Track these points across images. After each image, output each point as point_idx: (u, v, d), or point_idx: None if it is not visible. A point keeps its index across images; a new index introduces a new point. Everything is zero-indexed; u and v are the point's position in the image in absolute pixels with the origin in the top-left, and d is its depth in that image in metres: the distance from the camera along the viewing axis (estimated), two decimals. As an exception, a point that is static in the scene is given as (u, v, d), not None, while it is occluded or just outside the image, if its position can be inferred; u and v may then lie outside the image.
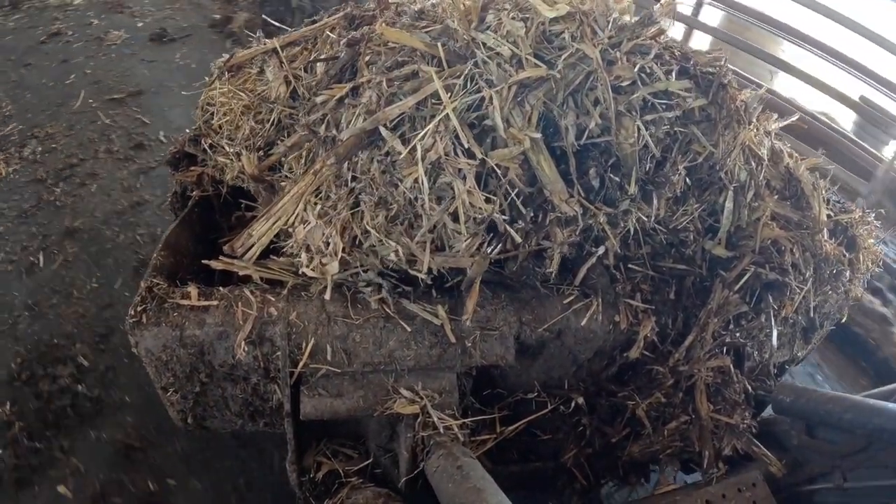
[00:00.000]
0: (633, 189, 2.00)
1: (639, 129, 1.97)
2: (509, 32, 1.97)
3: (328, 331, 2.00)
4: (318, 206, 2.09)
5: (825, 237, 2.36)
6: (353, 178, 2.05)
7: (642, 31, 2.04)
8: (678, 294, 2.22)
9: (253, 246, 1.96)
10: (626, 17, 2.14)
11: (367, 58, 2.25)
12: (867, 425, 2.16)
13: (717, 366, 2.22)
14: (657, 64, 2.03)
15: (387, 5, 2.62)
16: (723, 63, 2.17)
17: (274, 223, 1.96)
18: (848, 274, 2.47)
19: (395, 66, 2.12)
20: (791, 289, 2.26)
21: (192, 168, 2.68)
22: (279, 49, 2.59)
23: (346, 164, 2.06)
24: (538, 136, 1.92)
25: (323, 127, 2.21)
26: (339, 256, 1.98)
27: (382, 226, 1.94)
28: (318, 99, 2.23)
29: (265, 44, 2.66)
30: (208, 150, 2.61)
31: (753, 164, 2.19)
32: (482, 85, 1.95)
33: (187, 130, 2.76)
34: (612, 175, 2.00)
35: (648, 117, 1.99)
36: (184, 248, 2.39)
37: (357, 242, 2.00)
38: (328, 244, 2.01)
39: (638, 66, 1.99)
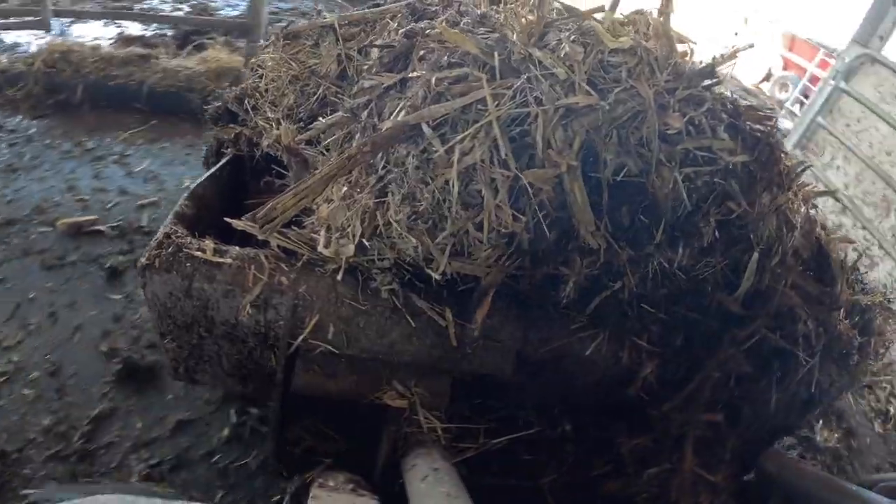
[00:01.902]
0: (659, 237, 1.98)
1: (675, 180, 1.95)
2: (567, 55, 1.96)
3: (334, 310, 2.01)
4: (345, 188, 2.10)
5: (842, 316, 2.34)
6: (385, 169, 2.06)
7: (700, 81, 2.03)
8: (686, 342, 2.20)
9: (276, 219, 1.96)
10: (687, 61, 2.12)
11: (420, 52, 2.25)
12: None
13: (710, 420, 2.21)
14: (707, 118, 2.01)
15: (450, 2, 2.62)
16: (773, 123, 2.16)
17: (300, 200, 1.96)
18: (856, 358, 2.44)
19: (447, 66, 2.13)
20: (798, 360, 2.23)
21: (232, 125, 2.71)
22: (337, 26, 2.61)
23: (381, 154, 2.06)
24: (576, 163, 1.91)
25: (366, 113, 2.21)
26: (357, 241, 1.99)
27: (405, 221, 1.94)
28: (366, 84, 2.24)
29: (325, 18, 2.68)
30: (250, 111, 2.64)
31: (785, 230, 2.17)
32: (530, 101, 1.95)
33: (233, 88, 2.79)
34: (642, 217, 1.98)
35: (688, 170, 1.98)
36: (209, 202, 2.41)
37: (378, 231, 2.00)
38: (348, 226, 2.02)
39: (688, 118, 1.98)
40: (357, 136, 2.16)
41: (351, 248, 2.00)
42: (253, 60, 2.70)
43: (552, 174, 1.90)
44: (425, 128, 1.97)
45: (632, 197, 1.98)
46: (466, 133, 1.92)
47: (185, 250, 2.04)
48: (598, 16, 2.21)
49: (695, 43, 2.35)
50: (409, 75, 2.16)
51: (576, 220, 1.93)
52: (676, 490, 2.24)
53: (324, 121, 2.29)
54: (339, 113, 2.24)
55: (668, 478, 2.22)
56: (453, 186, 1.88)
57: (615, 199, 1.99)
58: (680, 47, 2.13)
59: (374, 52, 2.40)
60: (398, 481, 2.01)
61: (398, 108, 2.06)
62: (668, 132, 1.96)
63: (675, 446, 2.25)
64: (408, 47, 2.29)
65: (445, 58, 2.10)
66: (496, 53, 2.03)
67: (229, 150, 2.63)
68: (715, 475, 2.26)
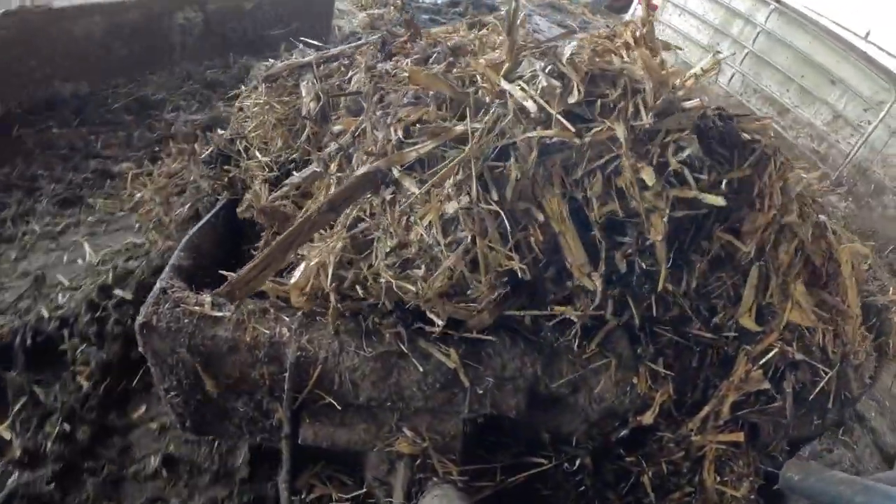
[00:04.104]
0: (661, 286, 1.92)
1: (666, 226, 1.89)
2: (544, 90, 1.90)
3: (338, 360, 1.96)
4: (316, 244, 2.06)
5: (857, 323, 2.28)
6: (360, 220, 2.03)
7: (688, 124, 1.95)
8: (700, 362, 2.15)
9: (241, 291, 1.94)
10: (672, 84, 2.06)
11: (376, 95, 2.23)
12: None
13: (730, 440, 2.16)
14: (689, 167, 1.94)
15: (418, 33, 2.59)
16: (770, 132, 2.12)
17: (263, 271, 1.93)
18: (874, 360, 2.39)
19: (410, 103, 2.10)
20: (815, 372, 2.18)
21: (226, 167, 2.67)
22: (314, 65, 2.58)
23: (351, 206, 2.02)
24: (564, 205, 1.86)
25: (335, 165, 2.18)
26: (331, 295, 1.94)
27: (395, 270, 1.90)
28: (335, 129, 2.21)
29: (304, 57, 2.66)
30: (242, 152, 2.61)
31: (790, 239, 2.12)
32: (511, 133, 1.90)
33: (222, 133, 2.76)
34: (640, 261, 1.92)
35: (678, 214, 1.93)
36: (205, 250, 2.37)
37: (374, 278, 1.95)
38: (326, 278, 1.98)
39: (669, 170, 1.93)
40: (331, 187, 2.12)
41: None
42: (237, 104, 2.67)
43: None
44: (396, 172, 1.93)
45: (631, 233, 1.92)
46: (440, 167, 1.88)
47: (182, 305, 2.00)
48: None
49: (680, 49, 2.30)
50: (370, 120, 2.13)
51: (569, 263, 1.88)
52: (701, 511, 2.19)
53: (296, 176, 2.23)
54: (311, 167, 2.20)
55: (691, 501, 2.18)
56: (438, 231, 1.83)
57: (612, 235, 1.94)
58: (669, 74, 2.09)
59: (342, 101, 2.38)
60: None
61: (362, 160, 2.02)
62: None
63: (694, 467, 2.21)
64: (374, 90, 2.26)
65: (407, 96, 2.08)
66: (470, 91, 1.99)
67: (224, 194, 2.58)
68: (738, 490, 2.21)
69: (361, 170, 1.95)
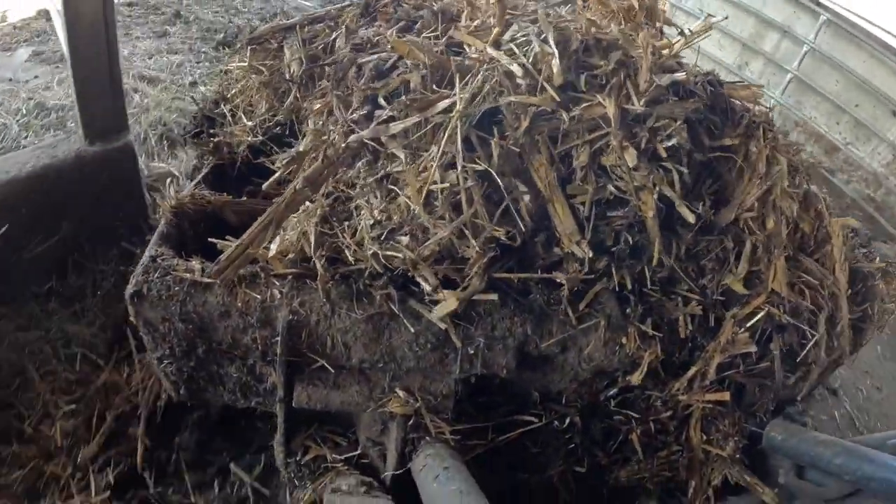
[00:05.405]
0: (656, 259, 1.94)
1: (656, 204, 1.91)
2: (535, 56, 1.88)
3: (330, 322, 1.98)
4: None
5: (843, 286, 2.31)
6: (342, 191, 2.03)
7: (682, 113, 1.96)
8: (688, 324, 2.17)
9: (227, 269, 1.94)
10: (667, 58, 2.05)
11: (354, 66, 2.21)
12: (856, 472, 2.14)
13: (716, 399, 2.20)
14: (675, 158, 1.97)
15: None
16: (759, 101, 2.12)
17: (245, 250, 1.93)
18: (858, 325, 2.42)
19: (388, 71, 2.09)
20: (802, 334, 2.21)
21: (212, 131, 2.63)
22: (298, 28, 2.53)
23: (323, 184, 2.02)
24: (552, 177, 1.85)
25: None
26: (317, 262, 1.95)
27: (378, 240, 1.91)
28: (315, 107, 2.19)
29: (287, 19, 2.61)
30: (228, 115, 2.57)
31: (781, 208, 2.13)
32: (496, 99, 1.89)
33: (209, 94, 2.71)
34: (629, 235, 1.94)
35: (669, 191, 1.95)
36: (192, 217, 2.35)
37: (359, 246, 1.95)
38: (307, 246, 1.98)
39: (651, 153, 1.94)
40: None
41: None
42: (222, 68, 2.62)
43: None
44: (384, 138, 1.92)
45: (615, 212, 1.94)
46: (423, 131, 1.87)
47: (172, 273, 1.99)
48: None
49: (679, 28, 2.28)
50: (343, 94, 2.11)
51: (558, 232, 1.88)
52: (687, 469, 2.24)
53: (278, 163, 2.20)
54: (291, 151, 2.18)
55: (677, 459, 2.23)
56: (419, 202, 1.83)
57: (601, 208, 1.95)
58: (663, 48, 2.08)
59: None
60: (411, 483, 2.02)
61: (340, 133, 2.01)
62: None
63: (681, 426, 2.25)
64: (353, 60, 2.23)
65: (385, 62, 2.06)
66: (452, 59, 1.96)
67: (209, 159, 2.54)
68: (724, 449, 2.26)
69: (340, 144, 1.94)
